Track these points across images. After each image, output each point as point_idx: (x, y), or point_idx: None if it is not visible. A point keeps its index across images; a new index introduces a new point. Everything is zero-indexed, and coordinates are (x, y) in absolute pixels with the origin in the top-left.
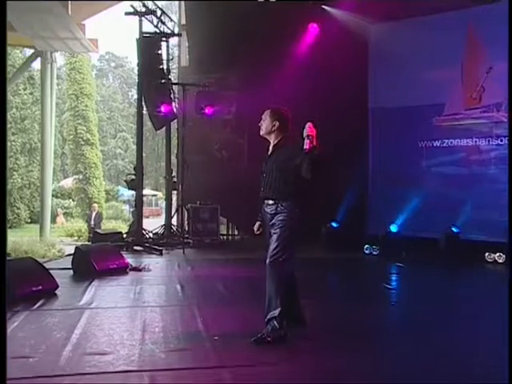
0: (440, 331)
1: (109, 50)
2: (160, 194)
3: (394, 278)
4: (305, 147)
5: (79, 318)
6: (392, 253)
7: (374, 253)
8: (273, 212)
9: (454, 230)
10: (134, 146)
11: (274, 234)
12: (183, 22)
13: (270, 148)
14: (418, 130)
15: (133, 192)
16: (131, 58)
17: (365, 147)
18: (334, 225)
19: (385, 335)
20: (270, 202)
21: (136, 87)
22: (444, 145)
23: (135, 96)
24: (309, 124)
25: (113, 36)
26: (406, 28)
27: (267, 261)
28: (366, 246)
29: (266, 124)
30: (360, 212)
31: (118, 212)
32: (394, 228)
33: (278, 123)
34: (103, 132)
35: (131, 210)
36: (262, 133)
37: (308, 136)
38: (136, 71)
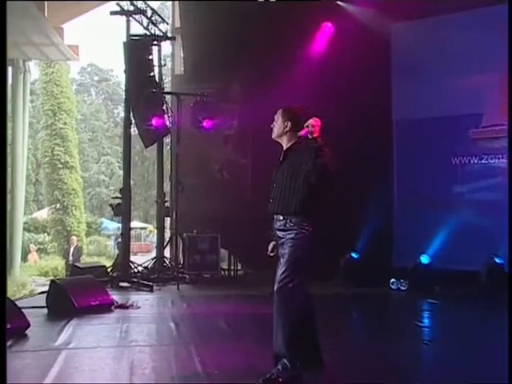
0: (479, 377)
1: (91, 61)
2: (150, 227)
3: (426, 315)
4: (300, 133)
5: (54, 360)
6: (423, 288)
7: (402, 288)
8: (281, 229)
9: (497, 260)
10: (121, 172)
11: (283, 255)
12: (177, 24)
13: (282, 153)
14: (451, 144)
15: (119, 225)
16: (117, 71)
17: (389, 165)
18: (354, 255)
19: (417, 379)
20: (279, 217)
21: (123, 104)
22: (483, 161)
23: (122, 114)
24: (313, 118)
25: (96, 43)
26: (434, 27)
27: (274, 287)
28: (393, 279)
29: (277, 125)
30: (384, 240)
31: (101, 248)
32: (425, 259)
33: (290, 124)
34: (84, 156)
35: (117, 241)
36: (273, 135)
37: (308, 125)
38: (123, 86)
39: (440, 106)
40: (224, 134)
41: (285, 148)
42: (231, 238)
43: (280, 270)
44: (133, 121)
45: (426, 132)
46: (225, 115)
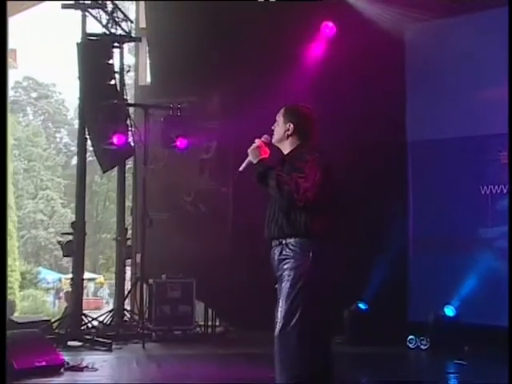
0: None
1: (28, 73)
2: (100, 278)
3: (452, 380)
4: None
5: None
6: (448, 346)
7: (422, 346)
8: (278, 258)
9: None
10: (63, 210)
11: (280, 291)
12: (142, 24)
13: (280, 162)
14: (479, 170)
15: (60, 276)
16: (61, 87)
17: (402, 196)
18: (362, 306)
19: None
20: (275, 242)
21: (67, 126)
22: None
23: (65, 139)
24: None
25: (37, 50)
26: (458, 29)
27: (275, 331)
28: (410, 336)
29: (278, 127)
30: (398, 288)
31: (38, 304)
32: (449, 311)
33: (292, 126)
34: (18, 190)
35: (60, 293)
36: (273, 140)
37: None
38: (67, 104)
39: (464, 123)
40: (200, 158)
41: (284, 155)
42: (208, 286)
43: (278, 312)
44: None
45: (447, 156)
46: (201, 135)
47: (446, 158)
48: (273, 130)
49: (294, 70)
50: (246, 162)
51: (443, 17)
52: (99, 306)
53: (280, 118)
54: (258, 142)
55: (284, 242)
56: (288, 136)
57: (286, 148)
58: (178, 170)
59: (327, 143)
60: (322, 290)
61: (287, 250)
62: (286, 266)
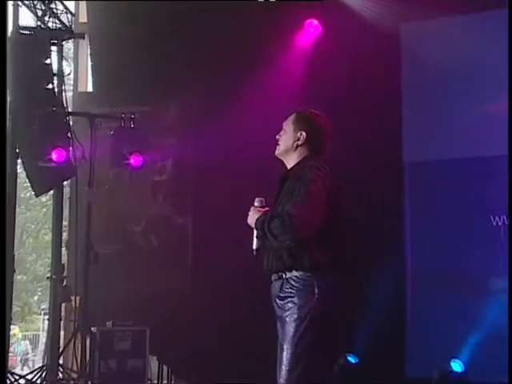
0: None
1: None
2: (15, 330)
3: None
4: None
5: None
6: None
7: None
8: (278, 296)
9: None
10: None
11: (284, 333)
12: (83, 18)
13: (281, 178)
14: (489, 197)
15: None
16: None
17: (399, 227)
18: (352, 360)
19: None
20: (274, 276)
21: None
22: None
23: None
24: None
25: None
26: (463, 28)
27: (280, 379)
28: None
29: (286, 136)
30: (394, 338)
31: None
32: (457, 367)
33: (305, 135)
34: None
35: None
36: (277, 151)
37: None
38: None
39: (472, 142)
40: (152, 181)
41: (288, 169)
42: (164, 335)
43: (280, 369)
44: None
45: (451, 179)
46: (154, 153)
47: (449, 181)
48: (277, 140)
49: (269, 77)
50: (255, 236)
51: (454, 13)
52: (12, 364)
53: (289, 125)
54: (252, 210)
55: (284, 276)
56: (297, 146)
57: (291, 161)
58: (126, 194)
59: None
60: (329, 332)
61: (289, 285)
62: (288, 306)
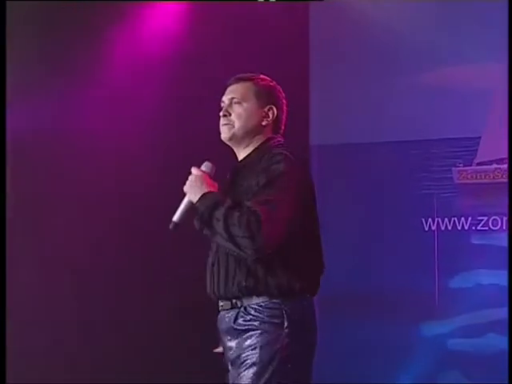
0: None
1: None
2: None
3: None
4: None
5: None
6: None
7: None
8: (229, 326)
9: None
10: None
11: (240, 379)
12: None
13: (230, 172)
14: (421, 194)
15: None
16: None
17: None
18: None
19: None
20: (225, 303)
21: None
22: (480, 227)
23: None
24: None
25: None
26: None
27: None
28: None
29: (245, 114)
30: None
31: None
32: None
33: (275, 111)
34: None
35: None
36: (227, 135)
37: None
38: None
39: (397, 122)
40: None
41: (239, 159)
42: None
43: None
44: None
45: (371, 167)
46: None
47: (369, 169)
48: (224, 119)
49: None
50: (184, 205)
51: None
52: None
53: (247, 97)
54: (196, 171)
55: (241, 303)
56: (264, 127)
57: (246, 147)
58: None
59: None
60: (301, 377)
61: (248, 316)
62: (247, 343)
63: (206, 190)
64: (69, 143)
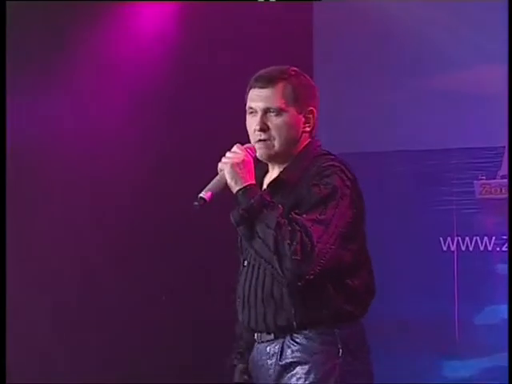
0: None
1: None
2: None
3: None
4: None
5: None
6: None
7: None
8: (275, 362)
9: None
10: None
11: None
12: None
13: (266, 182)
14: (438, 209)
15: None
16: None
17: None
18: None
19: None
20: (266, 336)
21: None
22: (506, 247)
23: None
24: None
25: None
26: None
27: None
28: None
29: (283, 123)
30: None
31: None
32: None
33: (315, 113)
34: None
35: None
36: (268, 151)
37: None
38: None
39: (413, 129)
40: None
41: (270, 178)
42: None
43: None
44: None
45: (383, 182)
46: None
47: (377, 183)
48: (260, 134)
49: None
50: (217, 183)
51: None
52: None
53: (289, 102)
54: (239, 149)
55: (284, 336)
56: (302, 134)
57: (283, 162)
58: None
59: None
60: None
61: (296, 346)
62: (295, 378)
63: (250, 182)
64: (61, 145)
